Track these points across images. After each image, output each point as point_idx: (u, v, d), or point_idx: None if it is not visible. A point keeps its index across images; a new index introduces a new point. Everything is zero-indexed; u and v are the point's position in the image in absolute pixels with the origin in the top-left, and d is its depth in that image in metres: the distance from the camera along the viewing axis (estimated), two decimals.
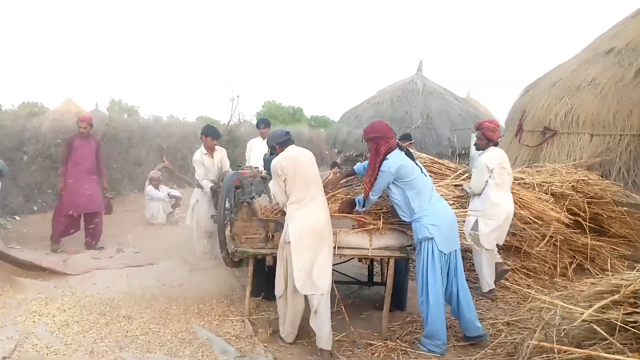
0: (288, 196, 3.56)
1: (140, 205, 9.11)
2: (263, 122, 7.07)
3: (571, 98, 6.69)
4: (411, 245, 3.92)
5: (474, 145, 5.00)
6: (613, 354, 2.36)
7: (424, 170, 3.82)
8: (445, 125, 13.19)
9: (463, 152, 12.43)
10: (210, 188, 5.66)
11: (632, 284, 2.66)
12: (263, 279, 4.22)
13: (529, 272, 5.27)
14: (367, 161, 4.02)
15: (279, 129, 4.07)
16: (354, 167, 4.23)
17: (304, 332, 3.77)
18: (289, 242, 3.47)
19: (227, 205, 4.32)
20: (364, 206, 3.84)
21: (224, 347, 3.55)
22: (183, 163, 12.40)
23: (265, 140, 6.78)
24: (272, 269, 3.99)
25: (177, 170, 12.40)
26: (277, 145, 3.76)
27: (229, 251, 4.06)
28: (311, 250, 3.47)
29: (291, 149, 3.71)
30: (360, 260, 5.11)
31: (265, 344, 3.66)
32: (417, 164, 3.78)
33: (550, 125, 6.77)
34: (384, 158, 3.65)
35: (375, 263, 5.16)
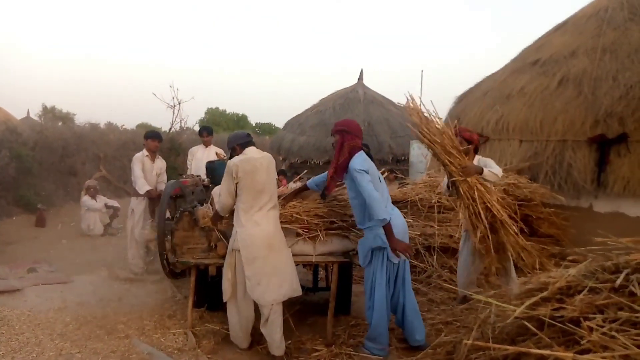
0: (235, 200, 3.53)
1: (76, 217, 8.71)
2: (206, 130, 6.97)
3: (502, 106, 7.05)
4: (354, 250, 3.98)
5: None
6: (542, 348, 2.49)
7: (382, 177, 3.80)
8: (386, 133, 13.54)
9: (402, 158, 12.80)
10: (147, 192, 5.55)
11: (558, 281, 2.83)
12: (206, 289, 4.14)
13: None
14: (318, 176, 4.03)
15: (240, 131, 4.02)
16: (307, 182, 4.16)
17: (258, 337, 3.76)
18: (239, 250, 3.46)
19: (167, 214, 4.22)
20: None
21: None
22: (122, 172, 11.95)
23: (208, 148, 6.72)
24: (215, 279, 3.93)
25: (115, 179, 11.94)
26: (238, 146, 3.68)
27: (170, 262, 3.96)
28: (261, 260, 3.45)
29: (251, 151, 3.64)
30: (305, 266, 5.13)
31: (209, 356, 3.59)
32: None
33: (482, 132, 7.09)
34: (349, 157, 3.56)
35: (319, 269, 5.20)
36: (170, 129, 13.30)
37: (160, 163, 6.03)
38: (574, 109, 6.31)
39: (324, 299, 4.64)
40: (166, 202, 4.12)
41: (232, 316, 3.66)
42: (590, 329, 2.21)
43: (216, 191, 5.01)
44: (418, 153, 11.60)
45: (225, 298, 3.63)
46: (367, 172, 3.48)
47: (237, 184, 3.48)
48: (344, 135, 3.63)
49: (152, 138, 5.89)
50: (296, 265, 4.35)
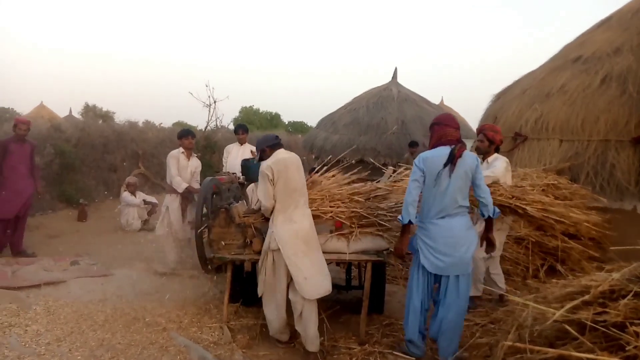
0: (275, 201, 3.60)
1: (115, 212, 8.98)
2: (241, 128, 7.07)
3: (541, 105, 6.88)
4: (388, 249, 3.97)
5: (475, 149, 4.64)
6: (584, 353, 2.43)
7: (449, 179, 3.32)
8: (420, 131, 13.38)
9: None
10: (185, 189, 5.68)
11: (601, 284, 2.75)
12: (241, 285, 4.21)
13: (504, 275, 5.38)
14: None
15: (269, 133, 4.07)
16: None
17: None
18: (277, 250, 3.52)
19: (205, 211, 4.31)
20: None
21: (202, 354, 3.52)
22: (159, 169, 12.25)
23: (243, 146, 6.82)
24: (251, 275, 4.00)
25: (153, 176, 12.24)
26: (267, 148, 3.76)
27: (207, 257, 4.05)
28: (302, 256, 3.54)
29: (281, 153, 3.73)
30: (338, 264, 5.14)
31: (243, 350, 3.65)
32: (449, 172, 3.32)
33: (521, 131, 6.95)
34: (430, 148, 3.42)
35: (353, 267, 5.20)
36: (206, 127, 13.57)
37: (196, 162, 6.15)
38: (618, 108, 6.10)
39: (357, 298, 4.64)
40: (203, 199, 4.20)
41: (270, 313, 3.71)
42: (637, 334, 2.14)
43: (251, 188, 5.09)
44: None
45: (260, 294, 3.69)
46: (421, 169, 3.34)
47: (274, 185, 3.56)
48: (432, 129, 3.49)
49: (185, 136, 6.01)
50: (330, 263, 4.39)
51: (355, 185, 4.43)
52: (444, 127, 3.41)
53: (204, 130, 13.39)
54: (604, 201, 5.82)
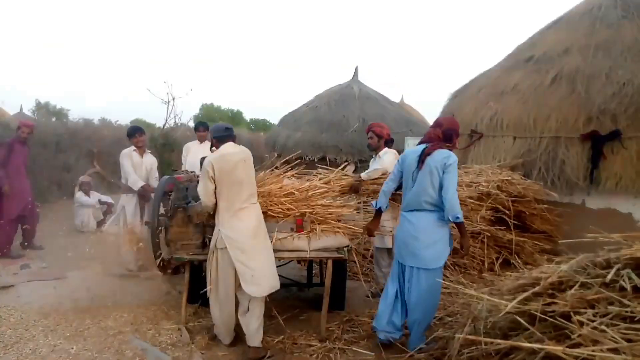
0: (217, 199, 3.50)
1: (70, 213, 8.67)
2: (202, 125, 6.96)
3: (495, 103, 7.09)
4: (348, 246, 4.00)
5: (367, 145, 5.19)
6: (534, 342, 2.52)
7: (417, 175, 3.51)
8: None
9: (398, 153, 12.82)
10: (141, 188, 5.54)
11: (550, 276, 2.85)
12: (200, 285, 4.14)
13: (459, 268, 5.53)
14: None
15: (221, 123, 3.87)
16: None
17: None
18: (222, 248, 3.44)
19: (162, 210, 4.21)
20: None
21: (159, 357, 3.45)
22: (116, 168, 11.89)
23: (203, 143, 6.71)
24: None
25: (109, 175, 11.89)
26: (215, 139, 3.64)
27: (164, 258, 3.96)
28: (249, 254, 3.44)
29: (228, 147, 3.57)
30: (299, 262, 5.14)
31: (202, 351, 3.59)
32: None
33: (476, 128, 7.13)
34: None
35: (314, 264, 5.22)
36: (165, 124, 13.28)
37: (151, 159, 6.01)
38: (567, 106, 6.35)
39: (318, 295, 4.65)
40: (160, 198, 4.10)
41: (214, 312, 3.64)
42: (581, 324, 2.23)
43: (199, 184, 5.02)
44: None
45: (208, 294, 3.64)
46: (400, 165, 3.75)
47: (214, 181, 3.44)
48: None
49: (133, 135, 5.88)
50: (290, 261, 4.38)
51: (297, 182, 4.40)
52: (430, 128, 3.68)
53: (162, 127, 13.09)
54: (555, 196, 6.05)
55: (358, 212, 4.90)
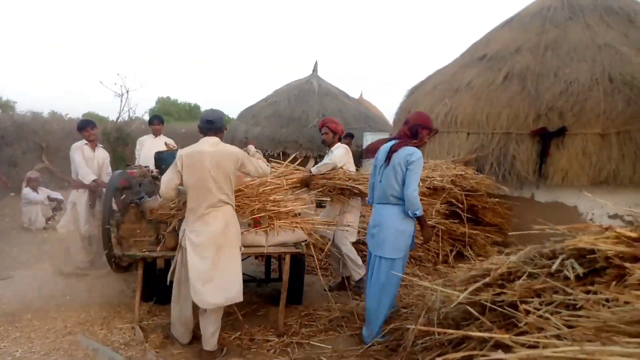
0: (176, 193, 3.42)
1: (17, 210, 8.29)
2: (157, 118, 6.80)
3: (450, 99, 7.25)
4: (306, 241, 4.01)
5: (322, 141, 5.18)
6: (484, 332, 2.60)
7: (384, 171, 3.65)
8: None
9: (357, 149, 12.94)
10: (92, 182, 5.35)
11: (500, 267, 2.96)
12: (154, 282, 4.05)
13: (415, 261, 5.64)
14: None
15: (208, 112, 3.53)
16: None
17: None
18: (183, 247, 3.36)
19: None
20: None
21: (111, 357, 3.35)
22: (66, 163, 11.47)
23: (157, 137, 6.55)
24: (164, 272, 3.85)
25: (59, 171, 11.43)
26: (199, 128, 3.47)
27: (116, 256, 3.85)
28: (208, 262, 3.26)
29: (205, 142, 3.35)
30: (257, 257, 5.11)
31: (157, 350, 3.51)
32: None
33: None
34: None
35: (273, 260, 5.20)
36: (118, 118, 12.89)
37: (103, 153, 5.81)
38: (518, 103, 6.57)
39: (277, 290, 4.64)
40: (111, 194, 3.98)
41: (174, 310, 3.55)
42: (527, 312, 2.32)
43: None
44: None
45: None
46: (375, 160, 3.84)
47: (181, 176, 3.32)
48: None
49: (84, 128, 5.66)
50: (248, 257, 4.33)
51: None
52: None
53: (115, 121, 12.70)
54: (506, 190, 6.26)
55: (316, 207, 4.94)
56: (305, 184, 4.75)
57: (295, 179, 4.67)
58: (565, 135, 6.11)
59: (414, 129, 3.58)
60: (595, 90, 6.17)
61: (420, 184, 4.82)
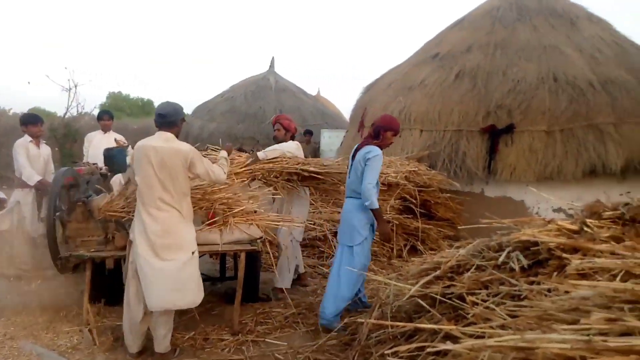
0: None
1: None
2: (106, 114, 6.57)
3: (404, 97, 7.38)
4: (262, 238, 3.98)
5: (273, 137, 4.94)
6: (434, 324, 2.67)
7: (351, 167, 3.97)
8: (297, 121, 13.55)
9: (315, 145, 12.99)
10: (37, 182, 5.11)
11: (450, 260, 3.04)
12: (104, 283, 3.93)
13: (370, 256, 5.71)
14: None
15: (163, 105, 3.35)
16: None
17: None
18: (132, 241, 3.25)
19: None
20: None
21: None
22: (9, 160, 10.91)
23: (107, 133, 6.33)
24: (114, 273, 3.75)
25: (1, 168, 10.86)
26: (155, 121, 3.31)
27: (62, 256, 3.70)
28: (147, 261, 3.13)
29: (157, 138, 3.22)
30: (211, 256, 5.03)
31: (106, 353, 3.41)
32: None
33: None
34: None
35: (229, 258, 5.14)
36: (66, 113, 12.38)
37: (47, 150, 5.56)
38: (469, 101, 6.77)
39: (232, 288, 4.59)
40: (57, 193, 3.81)
41: (124, 313, 3.35)
42: (475, 304, 2.40)
43: (115, 180, 4.74)
44: (328, 142, 11.83)
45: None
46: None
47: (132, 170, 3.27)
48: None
49: (31, 123, 5.37)
50: (203, 255, 4.25)
51: None
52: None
53: (63, 116, 12.19)
54: (457, 185, 6.44)
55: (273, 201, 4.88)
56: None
57: (239, 169, 4.37)
58: (513, 132, 6.35)
59: (377, 130, 3.89)
60: (541, 89, 6.45)
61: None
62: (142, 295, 3.20)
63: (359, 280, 3.87)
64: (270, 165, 4.50)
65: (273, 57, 15.39)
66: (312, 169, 4.55)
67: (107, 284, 4.00)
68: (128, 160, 3.28)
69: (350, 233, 3.84)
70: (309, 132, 11.37)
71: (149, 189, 3.16)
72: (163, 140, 3.22)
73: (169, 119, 3.27)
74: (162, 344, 3.31)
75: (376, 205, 3.69)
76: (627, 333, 1.39)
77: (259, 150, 4.70)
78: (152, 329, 3.32)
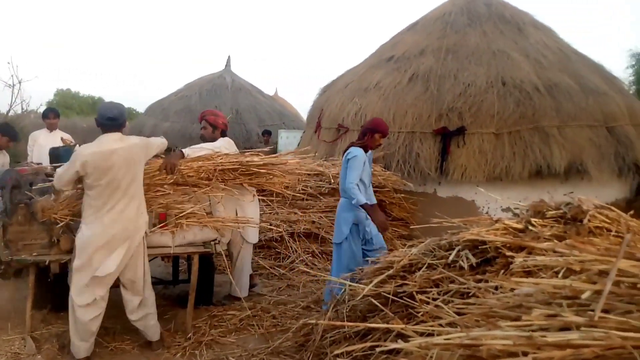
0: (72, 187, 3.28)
1: None
2: (52, 112, 6.34)
3: (360, 99, 7.45)
4: (216, 239, 3.92)
5: (200, 137, 4.54)
6: (388, 323, 2.71)
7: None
8: (254, 121, 13.54)
9: (273, 146, 12.92)
10: None
11: (402, 259, 3.10)
12: (48, 289, 3.76)
13: (327, 256, 5.74)
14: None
15: (107, 106, 3.32)
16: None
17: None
18: (77, 246, 3.19)
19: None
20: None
21: None
22: None
23: (53, 132, 6.09)
24: (59, 277, 3.60)
25: None
26: (97, 124, 3.28)
27: (2, 260, 3.51)
28: (93, 267, 3.21)
29: (109, 140, 3.19)
30: (163, 259, 4.92)
31: None
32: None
33: (343, 122, 7.44)
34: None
35: (182, 260, 5.03)
36: (9, 111, 11.76)
37: (4, 158, 5.32)
38: (422, 104, 6.90)
39: (186, 292, 4.50)
40: None
41: (70, 318, 3.31)
42: (426, 302, 2.45)
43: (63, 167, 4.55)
44: (286, 142, 11.79)
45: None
46: None
47: (81, 176, 3.17)
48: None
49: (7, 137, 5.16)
50: (154, 258, 4.15)
51: None
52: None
53: (6, 114, 11.59)
54: (411, 186, 6.56)
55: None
56: (171, 168, 3.71)
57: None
58: (464, 134, 6.53)
59: (364, 132, 4.10)
60: (490, 93, 6.66)
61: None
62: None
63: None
64: (200, 163, 3.90)
65: (229, 56, 15.21)
66: (256, 163, 4.04)
67: (52, 289, 3.84)
68: (73, 172, 3.15)
69: (336, 230, 4.12)
70: (267, 132, 11.35)
71: (115, 191, 3.19)
72: (116, 141, 3.22)
73: (119, 121, 3.27)
74: (157, 332, 3.58)
75: (363, 200, 3.80)
76: (566, 328, 1.45)
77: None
78: (143, 326, 3.50)
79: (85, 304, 3.22)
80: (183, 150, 3.94)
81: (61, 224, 3.42)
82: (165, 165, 3.70)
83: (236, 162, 3.97)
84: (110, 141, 3.20)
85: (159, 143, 3.69)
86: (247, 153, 4.20)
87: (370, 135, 4.03)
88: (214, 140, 4.34)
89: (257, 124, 13.46)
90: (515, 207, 5.90)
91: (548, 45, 7.67)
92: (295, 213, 5.95)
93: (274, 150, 11.29)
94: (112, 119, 3.22)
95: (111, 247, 3.22)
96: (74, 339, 3.28)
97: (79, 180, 3.25)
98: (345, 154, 4.01)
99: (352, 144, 4.09)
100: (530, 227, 2.63)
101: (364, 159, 3.95)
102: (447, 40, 7.62)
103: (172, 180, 3.80)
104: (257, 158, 4.09)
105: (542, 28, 8.15)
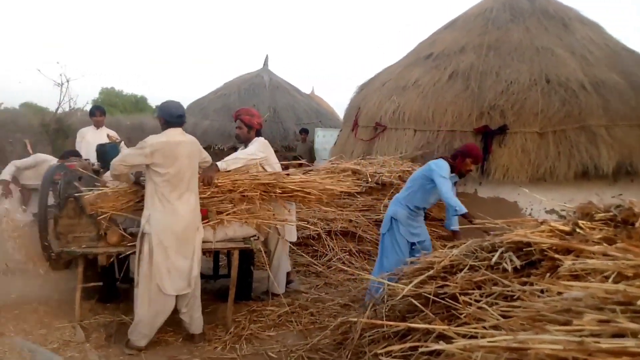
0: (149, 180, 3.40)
1: None
2: (98, 109, 6.56)
3: (398, 97, 7.39)
4: (255, 235, 3.98)
5: (235, 136, 4.59)
6: (428, 323, 2.69)
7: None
8: (291, 120, 13.61)
9: (310, 144, 12.98)
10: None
11: (443, 260, 3.06)
12: (96, 280, 3.91)
13: (364, 255, 5.73)
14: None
15: (174, 105, 3.57)
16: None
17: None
18: (149, 234, 3.34)
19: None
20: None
21: (49, 358, 3.20)
22: (1, 156, 10.82)
23: (99, 129, 6.31)
24: (107, 270, 3.74)
25: None
26: (164, 122, 3.48)
27: (54, 252, 3.68)
28: (172, 250, 3.39)
29: (173, 134, 3.43)
30: (204, 253, 5.02)
31: (98, 350, 3.40)
32: None
33: (381, 121, 7.40)
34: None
35: (222, 255, 5.13)
36: (58, 108, 12.27)
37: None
38: (462, 102, 6.79)
39: (226, 286, 4.59)
40: (47, 188, 3.79)
41: (141, 307, 3.42)
42: (468, 304, 2.41)
43: (108, 176, 4.71)
44: (322, 140, 11.82)
45: (135, 284, 3.46)
46: None
47: (149, 165, 3.33)
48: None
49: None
50: None
51: None
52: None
53: (55, 112, 12.09)
54: None
55: None
56: (209, 180, 3.78)
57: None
58: (506, 133, 6.38)
59: (455, 154, 4.14)
60: (534, 90, 6.48)
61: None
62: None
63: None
64: (237, 176, 3.91)
65: (267, 55, 15.35)
66: (291, 186, 4.05)
67: (100, 281, 3.99)
68: (141, 158, 3.31)
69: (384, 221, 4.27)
70: (304, 131, 11.40)
71: (180, 181, 3.39)
72: (180, 134, 3.49)
73: (184, 117, 3.57)
74: (200, 325, 3.68)
75: (464, 210, 3.85)
76: (619, 334, 1.40)
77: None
78: (189, 317, 3.59)
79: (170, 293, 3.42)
80: (218, 163, 3.93)
81: (103, 216, 3.56)
82: (202, 178, 3.76)
83: (272, 177, 4.01)
84: (176, 134, 3.45)
85: (207, 154, 3.85)
86: (285, 172, 4.29)
87: (462, 159, 4.03)
88: (248, 140, 4.35)
89: (294, 123, 13.52)
90: (561, 209, 5.78)
91: (595, 41, 7.39)
92: (333, 211, 5.96)
93: (311, 149, 11.34)
94: (181, 116, 3.51)
95: (187, 237, 3.45)
96: (141, 328, 3.42)
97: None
98: (434, 162, 3.99)
99: (443, 157, 4.08)
100: (578, 230, 2.54)
101: (448, 174, 3.91)
102: (489, 37, 7.46)
103: (209, 193, 3.86)
104: (295, 177, 4.18)
105: (588, 23, 7.87)
